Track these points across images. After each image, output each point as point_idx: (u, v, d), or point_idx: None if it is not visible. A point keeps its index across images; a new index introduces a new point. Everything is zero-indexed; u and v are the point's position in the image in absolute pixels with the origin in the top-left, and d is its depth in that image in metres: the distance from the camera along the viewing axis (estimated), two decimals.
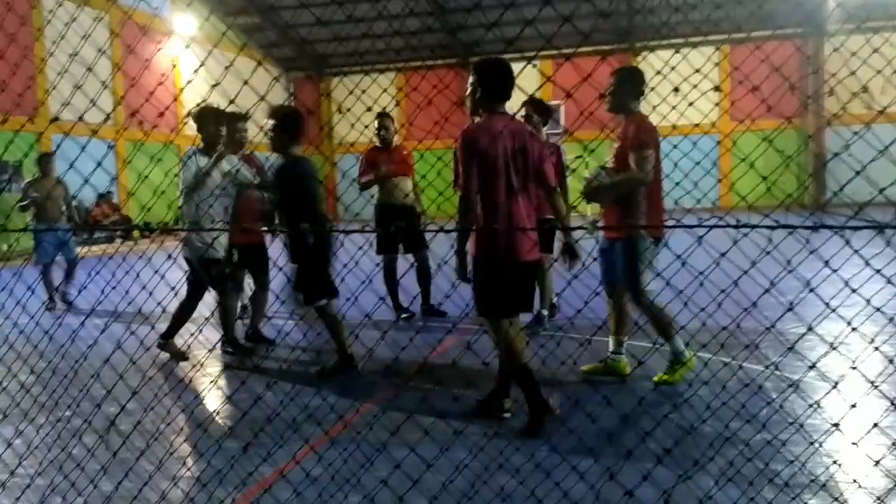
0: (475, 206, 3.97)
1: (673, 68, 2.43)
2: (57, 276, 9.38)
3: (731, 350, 4.40)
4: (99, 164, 3.07)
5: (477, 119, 4.09)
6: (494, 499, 2.95)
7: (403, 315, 7.46)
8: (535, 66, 3.91)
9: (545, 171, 4.10)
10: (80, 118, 3.09)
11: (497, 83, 4.00)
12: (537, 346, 5.16)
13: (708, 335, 3.58)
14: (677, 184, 2.64)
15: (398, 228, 7.40)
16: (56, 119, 3.15)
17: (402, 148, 7.73)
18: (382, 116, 7.51)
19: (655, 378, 4.72)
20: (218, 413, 4.14)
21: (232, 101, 2.89)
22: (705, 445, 3.44)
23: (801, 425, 3.35)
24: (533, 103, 6.12)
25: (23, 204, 9.02)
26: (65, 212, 9.59)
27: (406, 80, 27.12)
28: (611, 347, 5.04)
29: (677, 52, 2.89)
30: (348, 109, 3.81)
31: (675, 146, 2.79)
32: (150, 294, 3.36)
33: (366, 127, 5.75)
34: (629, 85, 4.70)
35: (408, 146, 7.88)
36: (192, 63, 21.25)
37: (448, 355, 5.30)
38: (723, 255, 2.36)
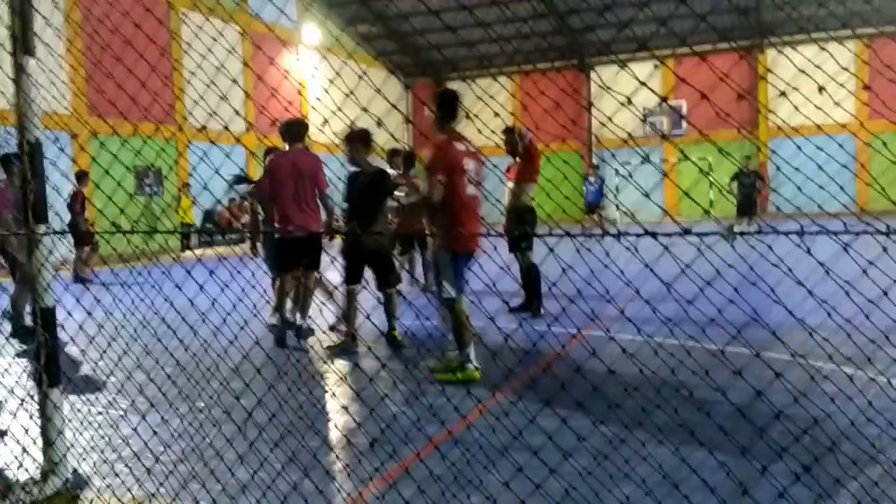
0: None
1: (822, 67, 2.30)
2: None
3: (878, 364, 4.12)
4: (243, 172, 3.26)
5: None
6: None
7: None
8: (657, 65, 3.82)
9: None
10: (226, 127, 3.28)
11: (290, 129, 6.45)
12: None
13: (852, 347, 3.36)
14: (834, 187, 2.51)
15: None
16: (204, 128, 3.36)
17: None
18: None
19: (439, 375, 5.20)
20: (346, 409, 4.29)
21: (365, 110, 2.98)
22: (847, 464, 3.24)
23: None
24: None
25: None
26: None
27: (519, 85, 27.05)
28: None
29: (823, 49, 2.75)
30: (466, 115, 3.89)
31: (819, 148, 2.65)
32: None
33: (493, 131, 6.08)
34: (438, 108, 5.15)
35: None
36: (314, 71, 22.03)
37: (571, 362, 5.25)
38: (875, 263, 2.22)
